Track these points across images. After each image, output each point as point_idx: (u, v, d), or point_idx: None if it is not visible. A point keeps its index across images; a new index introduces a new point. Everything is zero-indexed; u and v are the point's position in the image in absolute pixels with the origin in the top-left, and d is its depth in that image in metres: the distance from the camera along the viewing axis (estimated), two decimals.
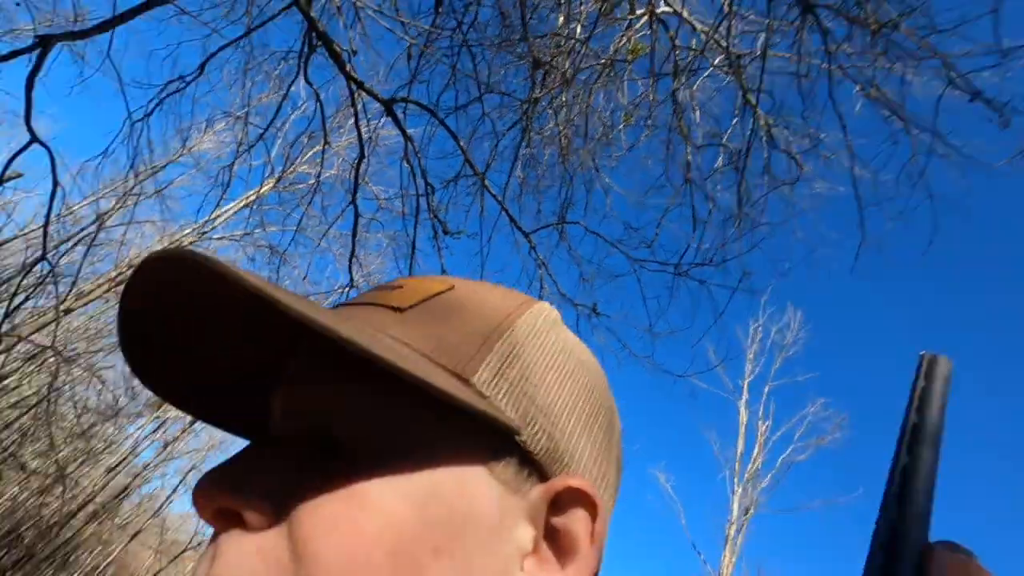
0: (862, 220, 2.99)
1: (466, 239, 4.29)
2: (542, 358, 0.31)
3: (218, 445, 18.15)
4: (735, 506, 12.03)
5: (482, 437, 0.28)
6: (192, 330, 0.31)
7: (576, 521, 0.29)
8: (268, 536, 0.25)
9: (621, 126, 4.03)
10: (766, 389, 14.05)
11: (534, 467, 0.29)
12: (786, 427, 13.91)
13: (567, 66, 3.56)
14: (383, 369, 0.25)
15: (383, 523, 0.25)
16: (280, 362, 0.32)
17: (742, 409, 13.51)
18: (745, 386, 13.89)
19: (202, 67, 4.18)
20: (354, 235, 4.50)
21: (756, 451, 13.05)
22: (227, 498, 0.26)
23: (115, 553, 17.50)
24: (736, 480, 12.48)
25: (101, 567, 17.39)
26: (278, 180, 9.80)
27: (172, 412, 16.27)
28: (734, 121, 3.60)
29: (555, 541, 0.29)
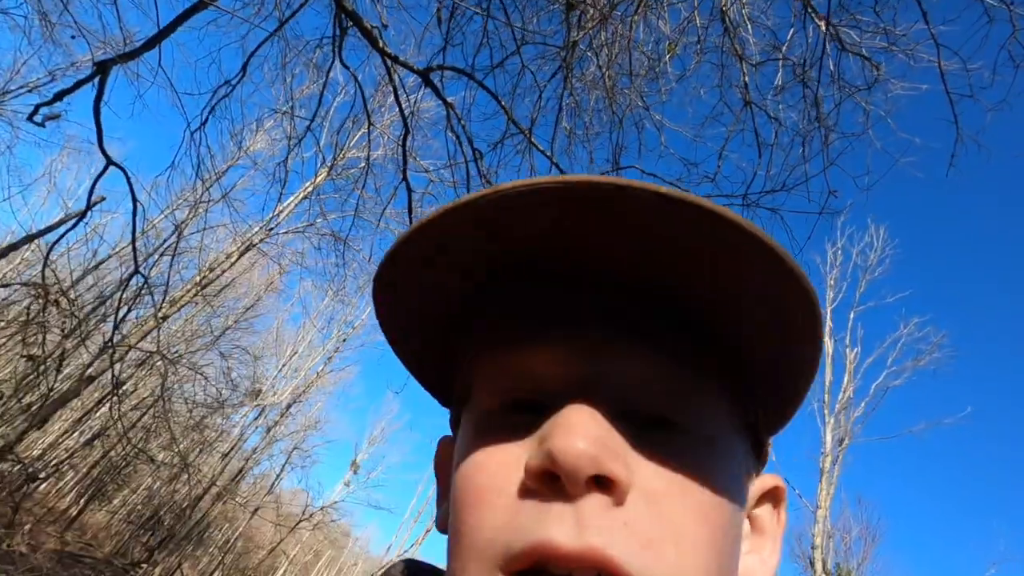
0: (955, 116, 2.68)
1: None
2: None
3: (313, 426, 19.49)
4: (828, 438, 11.66)
5: (751, 440, 0.32)
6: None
7: (767, 512, 0.34)
8: (633, 511, 0.25)
9: (667, 57, 3.79)
10: (851, 315, 13.32)
11: (759, 466, 0.34)
12: (878, 352, 13.19)
13: (603, 2, 3.36)
14: (686, 357, 0.29)
15: (727, 510, 0.28)
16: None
17: (827, 339, 12.89)
18: (829, 314, 13.20)
19: (244, 68, 4.27)
20: (410, 212, 4.56)
21: (846, 380, 12.50)
22: (611, 462, 0.25)
23: (240, 528, 19.42)
24: (827, 412, 12.04)
25: (231, 541, 19.38)
26: (330, 169, 10.05)
27: (268, 399, 17.55)
28: (792, 31, 3.29)
29: (755, 528, 0.33)
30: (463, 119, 4.01)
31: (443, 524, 0.34)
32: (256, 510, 17.97)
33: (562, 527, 0.24)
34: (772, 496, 0.33)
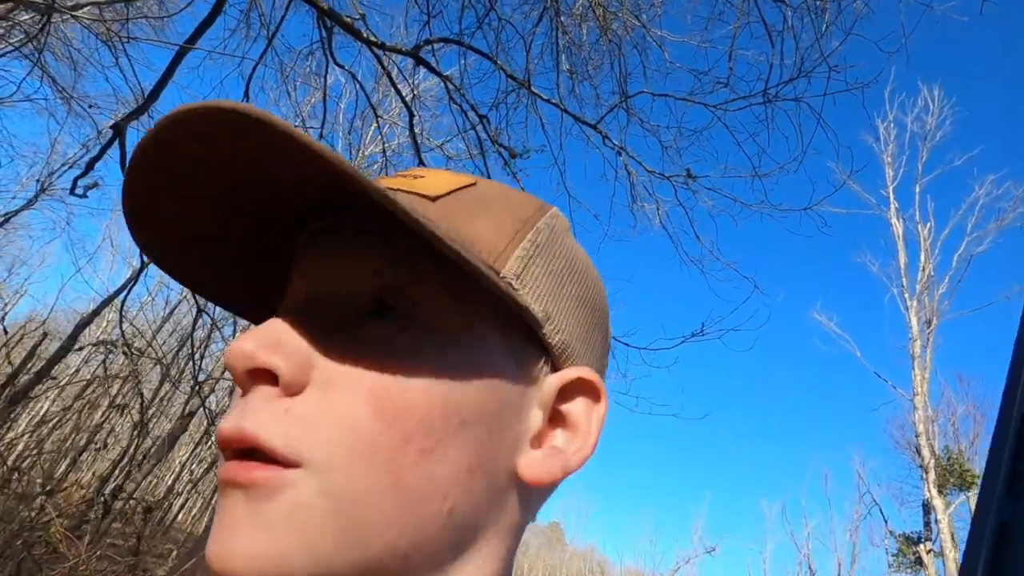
0: None
1: (538, 156, 4.19)
2: (559, 260, 0.33)
3: None
4: (913, 321, 11.08)
5: (508, 327, 0.31)
6: (197, 199, 0.30)
7: (579, 406, 0.33)
8: (300, 401, 0.26)
9: None
10: (916, 189, 12.42)
11: (548, 358, 0.32)
12: (954, 221, 12.30)
13: None
14: (423, 249, 0.28)
15: (418, 392, 0.27)
16: (268, 240, 0.33)
17: (894, 220, 12.12)
18: (891, 193, 12.39)
19: (246, 93, 4.37)
20: None
21: (923, 258, 11.75)
22: (265, 356, 0.26)
23: None
24: (907, 295, 11.41)
25: None
26: None
27: None
28: None
29: (561, 425, 0.32)
30: (461, 88, 3.97)
31: None
32: None
33: (231, 417, 0.26)
34: (582, 389, 0.32)
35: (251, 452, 0.26)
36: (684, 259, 4.09)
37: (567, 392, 0.32)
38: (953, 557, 9.34)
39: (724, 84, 3.02)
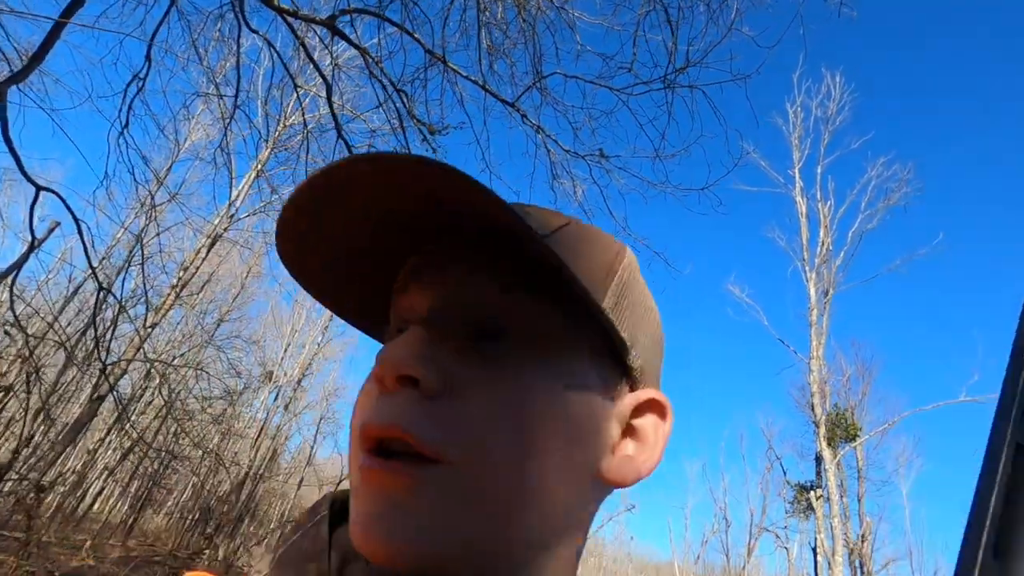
0: None
1: (461, 132, 4.24)
2: (639, 293, 0.38)
3: (333, 393, 20.09)
4: (812, 291, 12.13)
5: (601, 352, 0.35)
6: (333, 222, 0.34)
7: (649, 421, 0.37)
8: (440, 405, 0.30)
9: None
10: (819, 170, 13.44)
11: (629, 380, 0.37)
12: (849, 199, 13.43)
13: None
14: (531, 278, 0.32)
15: (540, 405, 0.31)
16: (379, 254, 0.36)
17: (798, 197, 13.10)
18: (796, 174, 13.33)
19: (148, 57, 4.11)
20: None
21: (822, 234, 12.81)
22: (416, 368, 0.30)
23: (291, 501, 20.48)
24: (806, 268, 12.45)
25: (286, 513, 20.51)
26: (272, 144, 9.78)
27: (282, 379, 17.98)
28: None
29: (633, 438, 0.37)
30: (380, 61, 3.94)
31: None
32: (301, 481, 18.91)
33: (376, 412, 0.30)
34: (652, 408, 0.37)
35: (389, 446, 0.30)
36: None
37: (639, 409, 0.37)
38: (837, 500, 10.55)
39: (628, 69, 3.20)
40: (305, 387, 18.66)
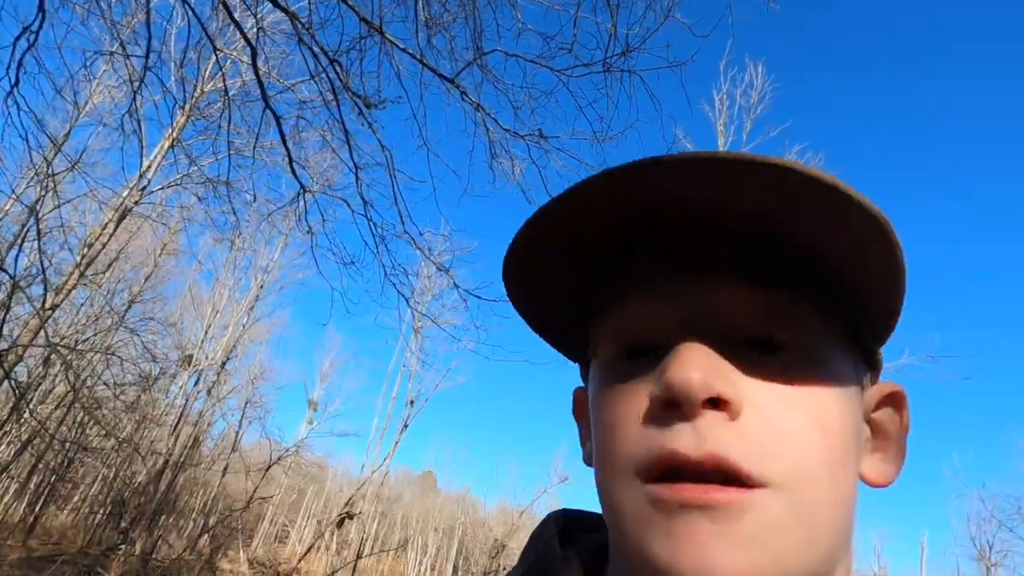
0: None
1: (397, 107, 4.11)
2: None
3: (260, 377, 19.27)
4: None
5: (852, 342, 0.34)
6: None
7: (888, 416, 0.36)
8: (752, 426, 0.28)
9: None
10: None
11: (873, 372, 0.36)
12: None
13: None
14: (797, 270, 0.31)
15: (838, 417, 0.30)
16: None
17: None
18: None
19: (41, 7, 3.67)
20: (283, 139, 4.32)
21: None
22: (724, 388, 0.28)
23: (214, 490, 19.61)
24: None
25: (208, 503, 19.63)
26: (188, 111, 9.05)
27: (203, 362, 17.02)
28: None
29: (877, 433, 0.36)
30: (311, 27, 3.72)
31: (588, 459, 0.38)
32: (225, 468, 18.09)
33: (685, 440, 0.28)
34: (891, 401, 0.36)
35: (703, 476, 0.28)
36: None
37: (880, 403, 0.36)
38: None
39: (568, 50, 3.21)
40: (229, 370, 17.76)
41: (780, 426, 0.29)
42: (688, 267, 0.32)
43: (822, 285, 0.31)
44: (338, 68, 3.75)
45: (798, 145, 14.53)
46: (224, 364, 17.37)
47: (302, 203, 4.67)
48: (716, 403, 0.29)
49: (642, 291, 0.33)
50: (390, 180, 4.18)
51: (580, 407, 0.43)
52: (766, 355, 0.30)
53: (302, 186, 4.60)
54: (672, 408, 0.29)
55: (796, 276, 0.31)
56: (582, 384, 0.42)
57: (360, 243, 4.47)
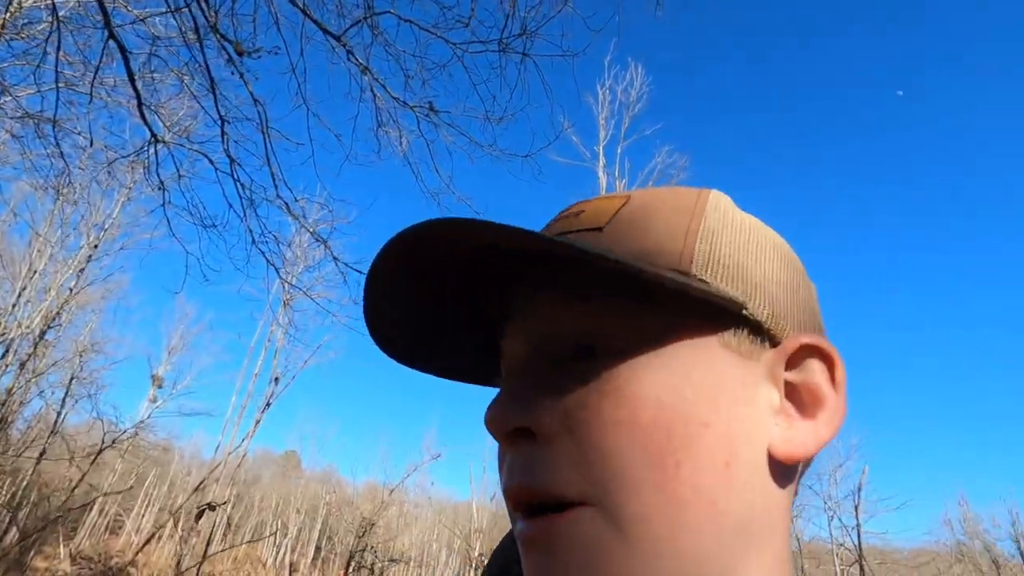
0: None
1: (273, 59, 3.73)
2: (739, 238, 0.33)
3: (89, 349, 16.80)
4: None
5: (712, 319, 0.30)
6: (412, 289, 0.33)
7: (813, 373, 0.31)
8: (560, 445, 0.28)
9: None
10: (619, 150, 15.04)
11: (763, 335, 0.31)
12: (639, 179, 15.32)
13: None
14: (605, 283, 0.30)
15: (654, 410, 0.28)
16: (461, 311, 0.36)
17: (600, 174, 14.54)
18: (600, 151, 14.72)
19: None
20: (131, 77, 3.75)
21: None
22: (520, 418, 0.29)
23: (26, 479, 16.89)
24: None
25: (18, 495, 16.88)
26: (1, 24, 7.45)
27: (15, 331, 14.44)
28: None
29: (798, 396, 0.31)
30: None
31: None
32: (42, 454, 15.61)
33: (504, 476, 0.30)
34: (810, 354, 0.31)
35: (538, 505, 0.28)
36: (423, 190, 4.24)
37: (795, 362, 0.31)
38: None
39: (465, 24, 3.14)
40: (51, 341, 15.25)
41: (587, 439, 0.28)
42: (520, 299, 0.33)
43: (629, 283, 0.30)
44: (204, 5, 3.31)
45: (667, 146, 15.77)
46: (44, 334, 14.89)
47: (152, 153, 4.10)
48: (524, 433, 0.29)
49: (504, 332, 0.34)
50: (262, 138, 3.81)
51: None
52: (583, 362, 0.30)
53: (153, 134, 4.03)
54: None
55: (604, 280, 0.30)
56: None
57: (224, 204, 4.05)
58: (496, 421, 0.29)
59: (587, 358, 0.30)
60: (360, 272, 3.97)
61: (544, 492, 0.28)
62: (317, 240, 4.17)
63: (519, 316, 0.33)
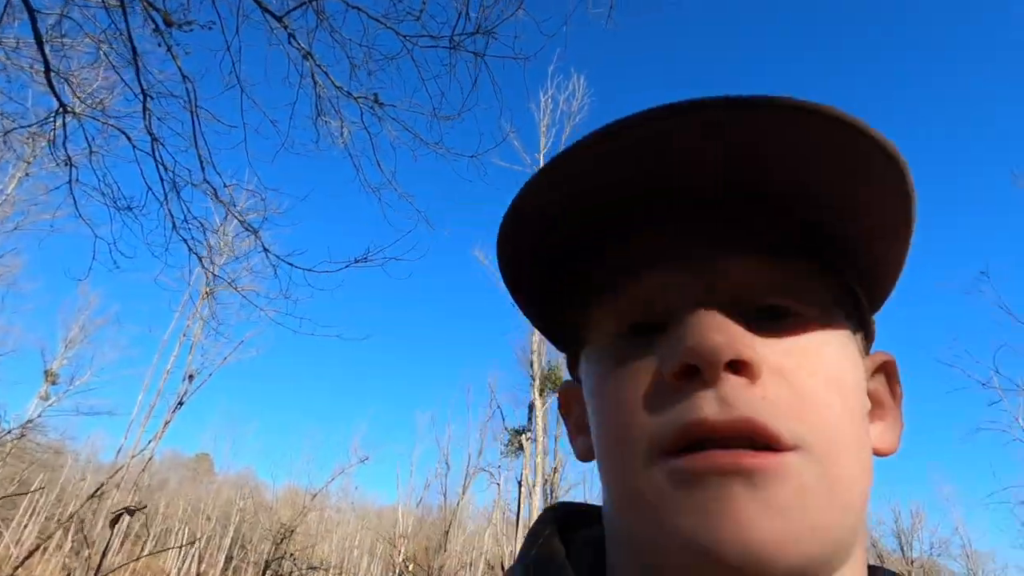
0: None
1: (206, 34, 3.49)
2: None
3: None
4: None
5: (851, 307, 0.34)
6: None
7: (881, 384, 0.36)
8: (778, 389, 0.28)
9: None
10: None
11: (867, 340, 0.36)
12: None
13: None
14: (803, 238, 0.31)
15: (851, 377, 0.31)
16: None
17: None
18: (541, 158, 14.92)
19: None
20: (39, 41, 3.39)
21: None
22: (748, 352, 0.27)
23: None
24: None
25: None
26: None
27: None
28: None
29: (871, 401, 0.35)
30: None
31: (585, 454, 0.38)
32: None
33: (710, 407, 0.27)
34: (884, 370, 0.36)
35: (727, 442, 0.26)
36: (364, 184, 4.11)
37: (875, 372, 0.36)
38: (542, 440, 12.59)
39: (416, 17, 3.08)
40: None
41: (801, 388, 0.28)
42: (700, 241, 0.32)
43: (829, 251, 0.32)
44: None
45: None
46: None
47: (60, 125, 3.73)
48: (736, 367, 0.28)
49: (652, 265, 0.32)
50: (190, 117, 3.55)
51: (567, 402, 0.42)
52: (776, 321, 0.30)
53: (61, 104, 3.66)
54: (691, 376, 0.28)
55: (805, 245, 0.32)
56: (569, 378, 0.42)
57: (141, 186, 3.74)
58: (724, 347, 0.27)
59: (781, 317, 0.31)
60: (292, 265, 3.78)
61: (765, 431, 0.26)
62: (247, 229, 3.93)
63: (693, 255, 0.31)
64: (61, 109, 3.63)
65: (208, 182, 3.64)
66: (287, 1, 3.40)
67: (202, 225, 3.80)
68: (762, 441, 0.26)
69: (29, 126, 4.19)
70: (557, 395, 0.43)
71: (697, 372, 0.28)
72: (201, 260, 3.97)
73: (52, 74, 3.46)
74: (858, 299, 0.34)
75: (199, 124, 3.56)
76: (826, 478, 0.27)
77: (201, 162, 3.62)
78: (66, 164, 3.80)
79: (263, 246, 3.79)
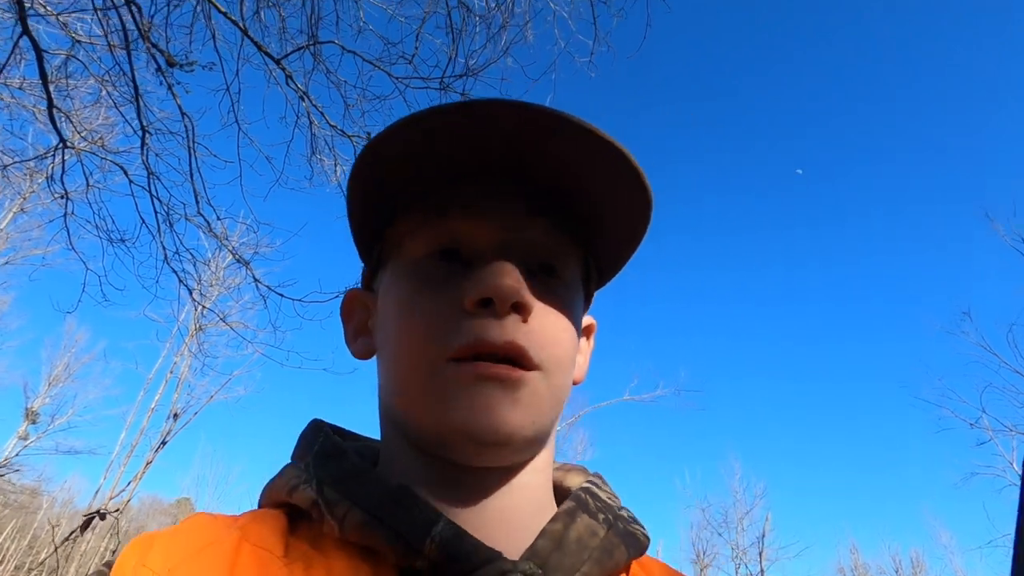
0: (594, 17, 3.22)
1: (207, 75, 3.63)
2: None
3: None
4: None
5: (587, 286, 0.47)
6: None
7: (584, 335, 0.51)
8: (537, 327, 0.39)
9: None
10: None
11: (588, 306, 0.49)
12: None
13: None
14: (565, 213, 0.42)
15: (575, 327, 0.43)
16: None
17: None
18: None
19: None
20: (44, 79, 3.52)
21: None
22: (527, 299, 0.37)
23: None
24: None
25: None
26: None
27: None
28: None
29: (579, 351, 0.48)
30: None
31: (365, 353, 0.47)
32: None
33: (495, 331, 0.37)
34: (588, 330, 0.51)
35: (501, 357, 0.37)
36: None
37: (585, 329, 0.50)
38: None
39: (408, 61, 3.23)
40: None
41: (551, 328, 0.40)
42: (509, 204, 0.41)
43: (586, 235, 0.44)
44: (134, 8, 3.20)
45: None
46: None
47: (59, 161, 3.82)
48: (517, 308, 0.38)
49: (468, 211, 0.41)
50: (187, 154, 3.66)
51: (352, 306, 0.49)
52: (547, 277, 0.41)
53: (61, 139, 3.76)
54: (484, 306, 0.37)
55: (578, 225, 0.43)
56: (357, 286, 0.50)
57: (135, 219, 3.80)
58: (514, 292, 0.37)
59: (549, 272, 0.42)
60: (282, 296, 3.82)
61: (525, 354, 0.37)
62: (239, 261, 3.98)
63: (496, 211, 0.41)
64: (61, 144, 3.73)
65: (202, 214, 3.72)
66: (286, 45, 3.56)
67: (193, 256, 3.85)
68: (520, 361, 0.37)
69: (28, 160, 4.28)
70: (341, 301, 0.50)
71: (491, 304, 0.37)
72: (191, 292, 4.00)
73: (54, 110, 3.58)
74: (591, 273, 0.47)
75: (196, 160, 3.66)
76: (551, 387, 0.39)
77: (196, 196, 3.70)
78: (63, 197, 3.87)
79: (253, 276, 3.83)
